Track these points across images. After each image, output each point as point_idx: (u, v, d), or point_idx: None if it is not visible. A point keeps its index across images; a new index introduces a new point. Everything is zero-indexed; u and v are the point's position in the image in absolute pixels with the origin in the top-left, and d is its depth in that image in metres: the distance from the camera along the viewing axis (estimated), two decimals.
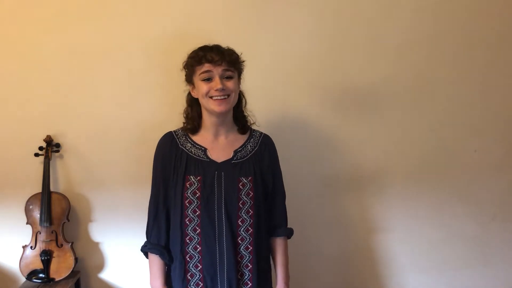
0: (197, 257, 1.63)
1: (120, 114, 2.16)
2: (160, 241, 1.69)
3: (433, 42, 2.27)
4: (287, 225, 1.80)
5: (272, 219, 1.75)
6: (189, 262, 1.64)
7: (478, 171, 2.33)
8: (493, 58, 2.31)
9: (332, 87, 2.24)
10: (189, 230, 1.63)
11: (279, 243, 1.76)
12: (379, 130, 2.27)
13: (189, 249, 1.64)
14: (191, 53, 1.68)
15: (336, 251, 2.26)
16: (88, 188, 2.16)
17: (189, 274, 1.64)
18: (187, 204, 1.63)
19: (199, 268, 1.63)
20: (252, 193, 1.65)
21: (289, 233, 1.79)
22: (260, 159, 1.72)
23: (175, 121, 2.14)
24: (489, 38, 2.30)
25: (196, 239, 1.63)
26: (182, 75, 2.14)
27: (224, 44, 1.67)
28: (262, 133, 1.79)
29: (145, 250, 1.71)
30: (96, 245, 2.19)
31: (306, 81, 2.22)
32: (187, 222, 1.63)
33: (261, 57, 2.15)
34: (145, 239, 2.24)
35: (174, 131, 1.75)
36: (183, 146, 1.70)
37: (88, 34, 2.12)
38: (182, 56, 2.13)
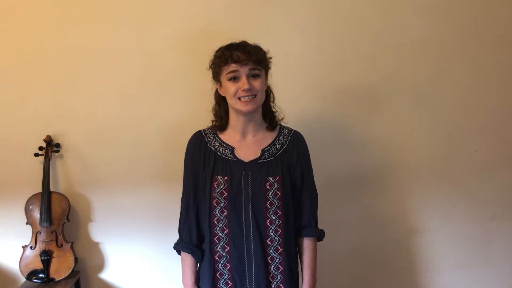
0: (225, 257, 1.63)
1: (120, 114, 2.16)
2: (192, 239, 1.68)
3: (434, 42, 2.27)
4: (316, 225, 1.73)
5: (299, 218, 1.70)
6: (218, 261, 1.64)
7: (478, 171, 2.33)
8: (494, 58, 2.31)
9: (333, 87, 2.23)
10: (217, 230, 1.63)
11: (307, 244, 1.70)
12: (379, 130, 2.27)
13: (218, 248, 1.63)
14: (217, 52, 1.64)
15: (336, 250, 2.26)
16: (88, 188, 2.16)
17: (218, 273, 1.64)
18: (214, 204, 1.62)
19: (228, 267, 1.63)
20: (279, 193, 1.62)
21: (318, 235, 1.71)
22: (289, 157, 1.67)
23: (175, 121, 2.16)
24: (489, 38, 2.29)
25: (224, 239, 1.62)
26: (181, 74, 2.16)
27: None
28: (292, 130, 1.74)
29: (178, 248, 1.71)
30: (96, 245, 2.19)
31: (307, 81, 2.22)
32: (215, 222, 1.63)
33: None
34: (144, 239, 2.24)
35: (203, 130, 1.74)
36: (211, 145, 1.69)
37: (88, 34, 2.12)
38: (182, 56, 2.15)
